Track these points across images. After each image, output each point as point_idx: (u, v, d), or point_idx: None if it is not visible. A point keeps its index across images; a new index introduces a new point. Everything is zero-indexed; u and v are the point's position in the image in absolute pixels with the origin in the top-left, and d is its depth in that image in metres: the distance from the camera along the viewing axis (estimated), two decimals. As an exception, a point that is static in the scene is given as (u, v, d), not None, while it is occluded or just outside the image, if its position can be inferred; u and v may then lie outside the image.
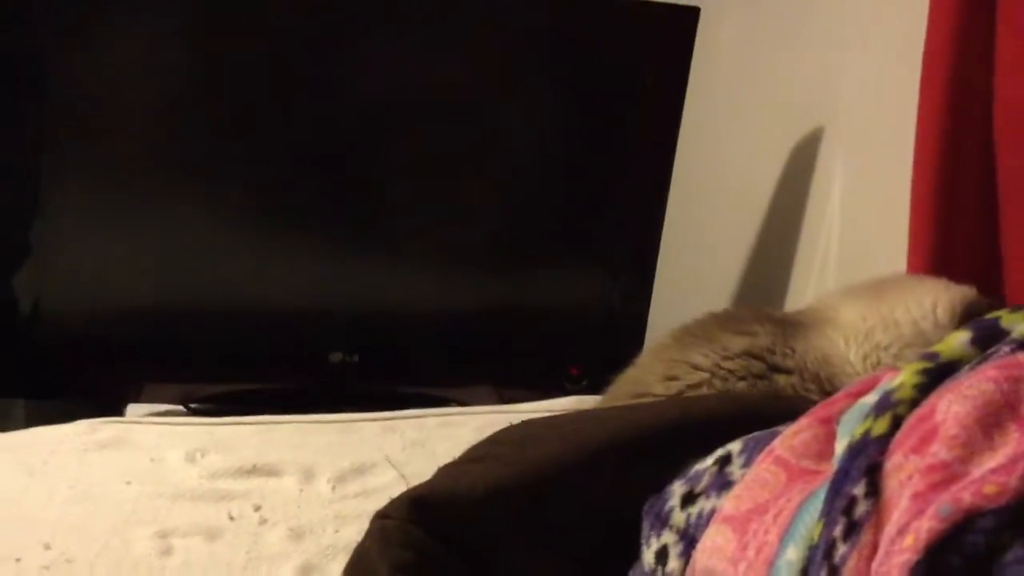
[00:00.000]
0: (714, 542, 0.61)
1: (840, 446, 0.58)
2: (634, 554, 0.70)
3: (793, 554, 0.55)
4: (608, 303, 1.58)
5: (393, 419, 1.26)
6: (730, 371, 0.96)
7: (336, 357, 1.48)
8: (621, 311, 1.57)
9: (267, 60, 1.41)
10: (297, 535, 1.00)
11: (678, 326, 1.07)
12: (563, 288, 1.57)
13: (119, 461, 1.10)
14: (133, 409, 1.37)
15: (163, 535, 0.97)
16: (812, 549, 0.54)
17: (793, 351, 0.98)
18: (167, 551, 0.95)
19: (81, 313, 1.40)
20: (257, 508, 1.04)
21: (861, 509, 0.52)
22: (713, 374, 0.96)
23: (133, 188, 1.40)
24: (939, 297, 1.00)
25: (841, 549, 0.52)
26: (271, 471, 1.11)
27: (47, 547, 0.94)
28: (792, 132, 1.58)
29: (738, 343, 1.00)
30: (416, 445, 1.19)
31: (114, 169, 1.39)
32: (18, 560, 0.92)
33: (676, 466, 0.69)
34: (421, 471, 0.80)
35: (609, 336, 1.56)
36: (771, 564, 0.56)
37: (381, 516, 0.76)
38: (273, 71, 1.42)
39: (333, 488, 1.10)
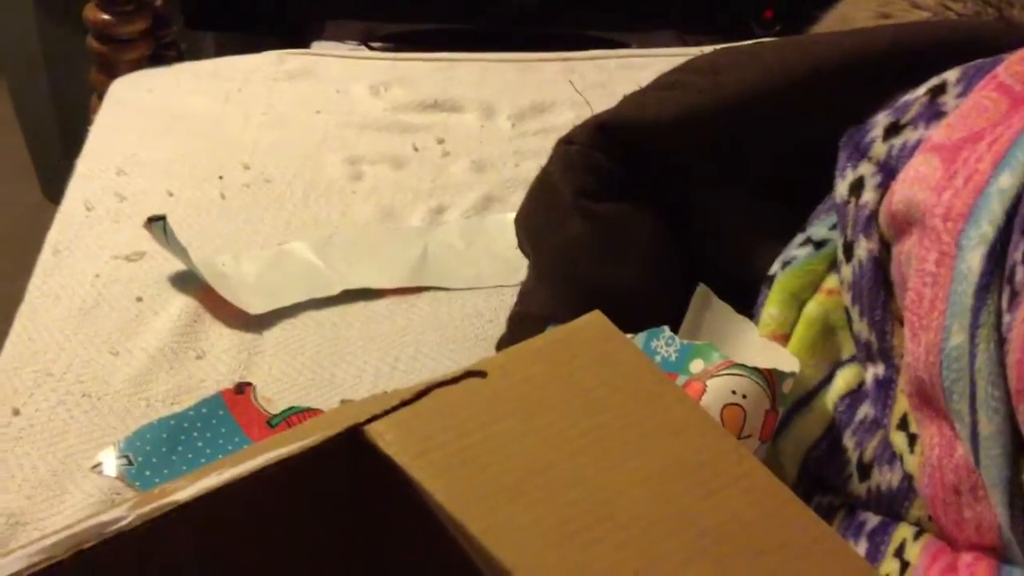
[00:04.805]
0: (918, 171, 0.58)
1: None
2: (827, 188, 0.68)
3: (1007, 181, 0.51)
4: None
5: (573, 59, 1.24)
6: (957, 15, 0.84)
7: (515, -3, 1.44)
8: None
9: None
10: (479, 167, 1.02)
11: None
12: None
13: (307, 91, 1.12)
14: (317, 46, 1.39)
15: (352, 162, 1.01)
16: (1031, 176, 0.50)
17: None
18: (357, 176, 0.99)
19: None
20: (440, 141, 1.06)
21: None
22: (935, 15, 0.85)
23: None
24: None
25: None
26: (452, 107, 1.12)
27: (246, 167, 0.99)
28: None
29: None
30: (597, 86, 1.16)
31: None
32: (221, 177, 0.98)
33: (884, 97, 0.65)
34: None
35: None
36: (980, 192, 0.53)
37: (565, 141, 0.75)
38: None
39: (513, 125, 1.10)
